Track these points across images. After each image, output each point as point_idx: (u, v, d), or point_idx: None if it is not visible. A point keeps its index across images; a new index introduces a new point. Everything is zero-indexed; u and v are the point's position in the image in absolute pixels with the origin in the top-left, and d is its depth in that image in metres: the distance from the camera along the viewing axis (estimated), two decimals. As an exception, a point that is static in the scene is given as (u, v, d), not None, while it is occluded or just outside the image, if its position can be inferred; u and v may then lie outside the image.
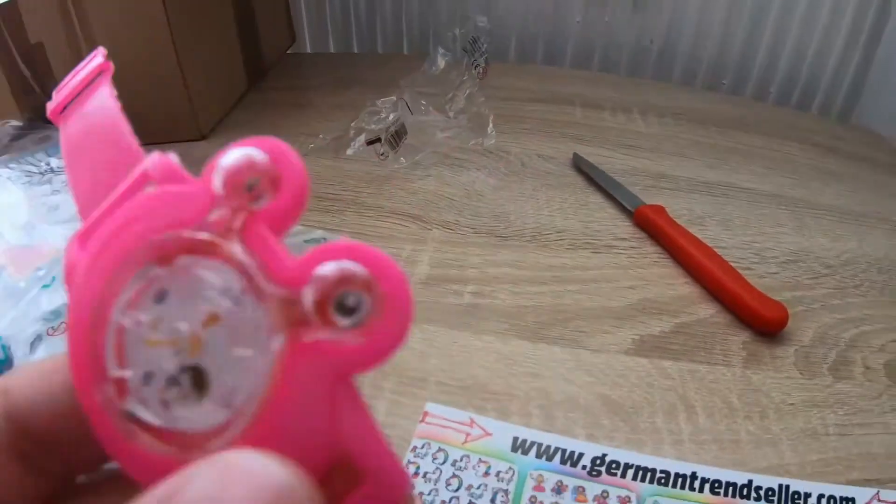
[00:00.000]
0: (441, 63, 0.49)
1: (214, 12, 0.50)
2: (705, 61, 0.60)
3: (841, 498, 0.26)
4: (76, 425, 0.10)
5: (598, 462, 0.27)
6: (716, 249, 0.37)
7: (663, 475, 0.26)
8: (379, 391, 0.30)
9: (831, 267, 0.39)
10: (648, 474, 0.26)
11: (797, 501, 0.26)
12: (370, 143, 0.46)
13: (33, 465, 0.11)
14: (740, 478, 0.27)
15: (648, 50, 0.61)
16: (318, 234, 0.39)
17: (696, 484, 0.26)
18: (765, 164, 0.48)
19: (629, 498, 0.26)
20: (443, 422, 0.28)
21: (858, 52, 0.55)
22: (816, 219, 0.43)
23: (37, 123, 0.46)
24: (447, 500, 0.25)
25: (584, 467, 0.27)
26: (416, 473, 0.26)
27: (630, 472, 0.26)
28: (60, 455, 0.11)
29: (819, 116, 0.58)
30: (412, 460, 0.27)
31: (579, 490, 0.26)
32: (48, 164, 0.42)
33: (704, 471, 0.27)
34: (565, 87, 0.57)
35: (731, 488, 0.26)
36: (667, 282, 0.37)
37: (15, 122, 0.45)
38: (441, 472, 0.26)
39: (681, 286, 0.36)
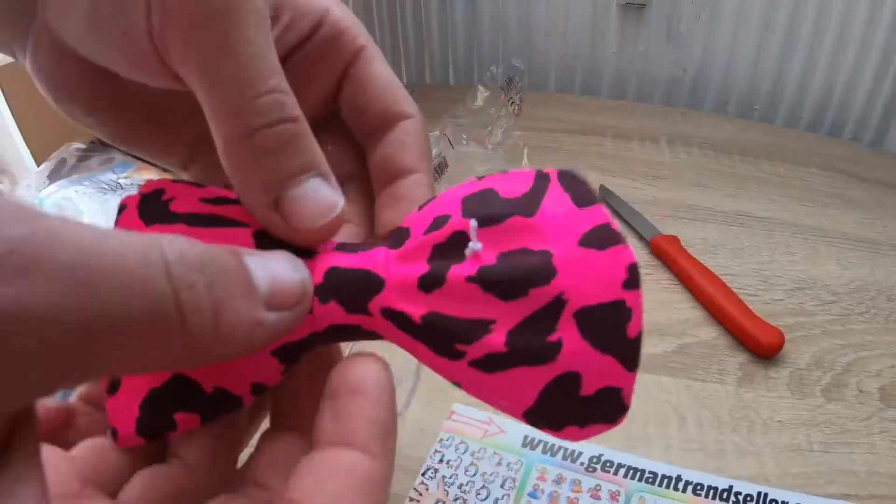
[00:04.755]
0: (480, 99, 0.54)
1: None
2: (737, 89, 0.62)
3: (819, 508, 0.30)
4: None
5: (594, 460, 0.32)
6: (724, 277, 0.41)
7: (651, 475, 0.31)
8: (414, 395, 0.36)
9: (837, 294, 0.41)
10: (638, 473, 0.31)
11: (775, 508, 0.30)
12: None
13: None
14: (722, 482, 0.31)
15: (682, 79, 0.64)
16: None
17: (681, 485, 0.31)
18: (784, 191, 0.51)
19: (619, 492, 0.30)
20: (466, 419, 0.34)
21: (890, 77, 0.56)
22: (829, 246, 0.45)
23: (98, 146, 0.51)
24: (465, 483, 0.31)
25: (581, 464, 0.31)
26: (442, 461, 0.32)
27: (622, 471, 0.31)
28: None
29: (849, 142, 0.59)
30: (438, 449, 0.32)
31: (576, 483, 0.31)
32: (116, 181, 0.48)
33: (689, 474, 0.31)
34: (598, 117, 0.61)
35: (712, 491, 0.30)
36: (675, 306, 0.41)
37: (78, 145, 0.50)
38: (461, 460, 0.32)
39: (687, 310, 0.40)
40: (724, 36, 0.60)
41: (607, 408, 0.15)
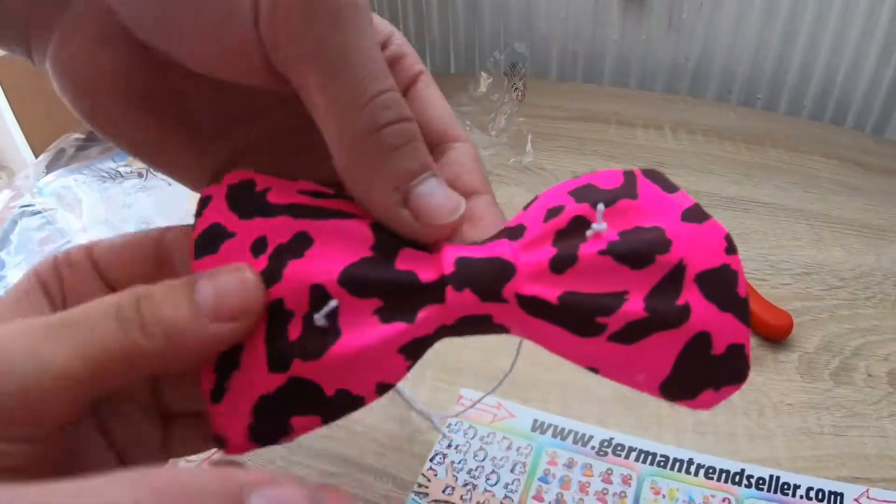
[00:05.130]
0: (483, 85, 0.54)
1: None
2: (739, 77, 0.62)
3: (830, 492, 0.29)
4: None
5: (605, 444, 0.31)
6: (731, 261, 0.40)
7: (663, 459, 0.31)
8: (422, 378, 0.35)
9: (845, 279, 0.41)
10: (649, 457, 0.31)
11: (786, 492, 0.29)
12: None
13: (160, 269, 0.17)
14: (733, 466, 0.30)
15: (684, 67, 0.64)
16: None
17: (692, 469, 0.30)
18: (788, 178, 0.50)
19: (630, 476, 0.30)
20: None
21: (893, 65, 0.56)
22: (835, 232, 0.45)
23: (98, 136, 0.52)
24: (474, 468, 0.30)
25: (592, 448, 0.31)
26: (450, 445, 0.31)
27: (633, 455, 0.31)
28: (176, 272, 0.17)
29: (852, 130, 0.59)
30: (447, 434, 0.32)
31: (587, 467, 0.30)
32: (116, 170, 0.48)
33: (700, 458, 0.31)
34: (601, 104, 0.61)
35: (724, 474, 0.30)
36: (682, 290, 0.40)
37: (77, 135, 0.50)
38: (470, 445, 0.31)
39: (695, 294, 0.40)
40: (726, 23, 0.60)
41: (735, 365, 0.16)
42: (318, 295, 0.15)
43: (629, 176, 0.16)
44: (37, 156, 0.51)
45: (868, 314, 0.39)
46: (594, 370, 0.16)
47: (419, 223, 0.15)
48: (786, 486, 0.30)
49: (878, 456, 0.31)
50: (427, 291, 0.15)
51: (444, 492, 0.29)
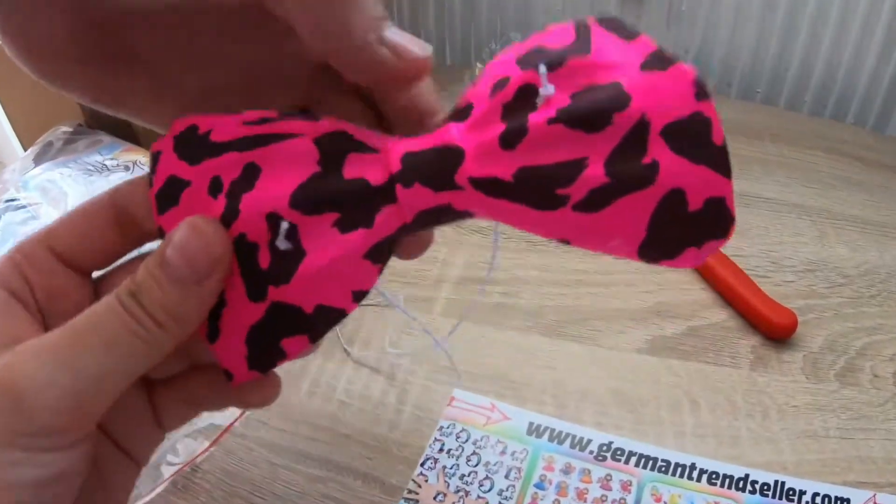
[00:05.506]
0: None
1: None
2: (739, 71, 0.61)
3: (837, 498, 0.28)
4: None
5: (604, 448, 0.30)
6: (733, 257, 0.39)
7: (664, 464, 0.29)
8: (413, 377, 0.34)
9: (848, 277, 0.40)
10: (650, 462, 0.29)
11: (792, 498, 0.28)
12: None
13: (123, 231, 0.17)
14: (738, 471, 0.29)
15: (683, 60, 0.62)
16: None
17: (695, 474, 0.29)
18: (790, 173, 0.49)
19: (631, 482, 0.29)
20: (467, 406, 0.32)
21: (893, 61, 0.55)
22: (838, 229, 0.44)
23: (86, 129, 0.51)
24: (466, 473, 0.29)
25: (591, 452, 0.30)
26: (441, 449, 0.30)
27: (633, 459, 0.29)
28: (141, 227, 0.17)
29: (853, 126, 0.58)
30: (438, 438, 0.30)
31: (585, 472, 0.29)
32: (102, 163, 0.47)
33: (703, 462, 0.29)
34: (598, 96, 0.59)
35: (728, 480, 0.29)
36: (682, 287, 0.39)
37: (65, 128, 0.49)
38: (463, 449, 0.30)
39: (696, 292, 0.39)
40: (725, 17, 0.59)
41: (716, 220, 0.15)
42: (274, 222, 0.15)
43: (582, 29, 0.15)
44: (26, 149, 0.50)
45: (873, 312, 0.37)
46: (566, 242, 0.15)
47: (399, 58, 0.16)
48: (791, 492, 0.28)
49: (884, 459, 0.30)
50: (379, 194, 0.15)
51: (435, 498, 0.28)
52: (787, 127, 0.55)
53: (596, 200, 0.14)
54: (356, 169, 0.15)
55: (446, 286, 0.39)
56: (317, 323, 0.16)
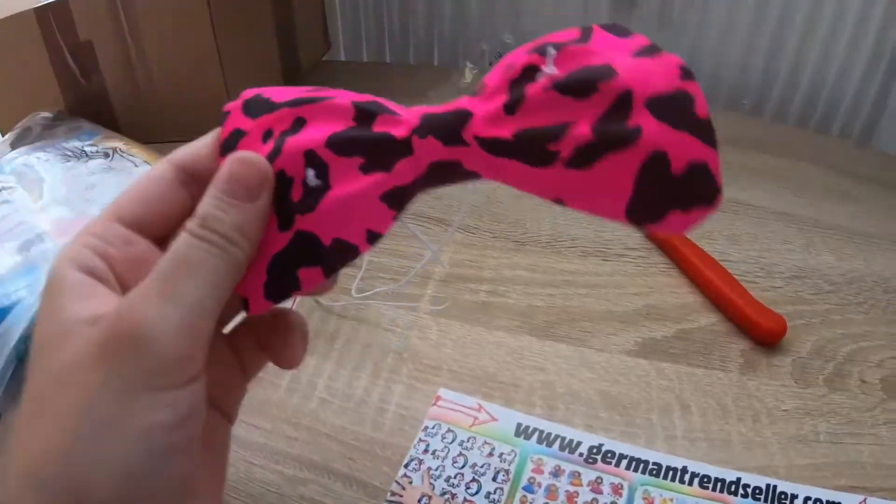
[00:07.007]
0: (469, 76, 0.52)
1: (256, 18, 0.54)
2: (727, 82, 0.62)
3: (828, 502, 0.28)
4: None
5: (594, 451, 0.29)
6: (722, 263, 0.39)
7: (655, 467, 0.28)
8: (397, 375, 0.32)
9: (836, 284, 0.40)
10: (641, 465, 0.28)
11: (784, 502, 0.28)
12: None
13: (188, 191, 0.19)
14: (729, 475, 0.28)
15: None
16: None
17: (686, 477, 0.28)
18: (778, 183, 0.49)
19: (621, 486, 0.28)
20: (453, 406, 0.31)
21: (879, 75, 0.56)
22: (825, 238, 0.44)
23: (66, 115, 0.49)
24: (453, 475, 0.28)
25: (581, 454, 0.29)
26: (427, 450, 0.29)
27: (624, 462, 0.29)
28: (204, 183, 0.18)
29: (838, 138, 0.59)
30: (423, 438, 0.29)
31: (575, 475, 0.28)
32: (81, 149, 0.45)
33: (695, 466, 0.29)
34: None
35: (719, 484, 0.28)
36: (672, 290, 0.39)
37: (45, 114, 0.48)
38: (449, 450, 0.29)
39: (685, 295, 0.38)
40: (714, 27, 0.59)
41: (701, 186, 0.16)
42: (311, 158, 0.17)
43: (586, 30, 0.17)
44: (3, 134, 0.48)
45: (860, 320, 0.37)
46: (560, 202, 0.16)
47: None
48: (783, 496, 0.28)
49: (874, 465, 0.30)
50: (400, 146, 0.17)
51: (419, 501, 0.27)
52: (774, 138, 0.56)
53: (583, 157, 0.16)
54: (384, 125, 0.17)
55: (432, 283, 0.39)
56: (332, 256, 0.17)
